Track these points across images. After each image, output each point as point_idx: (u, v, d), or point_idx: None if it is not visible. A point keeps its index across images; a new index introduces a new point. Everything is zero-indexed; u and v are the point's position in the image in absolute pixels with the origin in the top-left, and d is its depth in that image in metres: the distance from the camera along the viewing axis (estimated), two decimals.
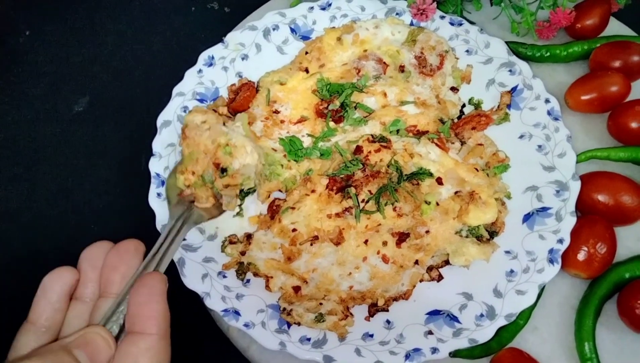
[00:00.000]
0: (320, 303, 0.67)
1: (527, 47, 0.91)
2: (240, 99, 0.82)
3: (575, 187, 0.74)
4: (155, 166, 0.76)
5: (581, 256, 0.71)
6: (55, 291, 0.49)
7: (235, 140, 0.68)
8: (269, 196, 0.76)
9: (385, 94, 0.83)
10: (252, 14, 0.96)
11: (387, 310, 0.69)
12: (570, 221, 0.72)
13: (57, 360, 0.41)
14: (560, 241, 0.71)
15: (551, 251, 0.70)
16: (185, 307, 0.79)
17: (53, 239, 0.87)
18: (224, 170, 0.68)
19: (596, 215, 0.75)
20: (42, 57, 1.03)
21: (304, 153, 0.78)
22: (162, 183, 0.75)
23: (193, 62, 0.86)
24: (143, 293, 0.46)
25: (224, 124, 0.72)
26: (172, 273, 0.71)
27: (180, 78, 0.84)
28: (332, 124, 0.80)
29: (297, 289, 0.69)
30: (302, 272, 0.70)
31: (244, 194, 0.73)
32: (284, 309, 0.67)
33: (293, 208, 0.73)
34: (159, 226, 0.72)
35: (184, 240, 0.71)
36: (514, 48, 0.90)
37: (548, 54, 0.91)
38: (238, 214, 0.76)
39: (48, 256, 0.85)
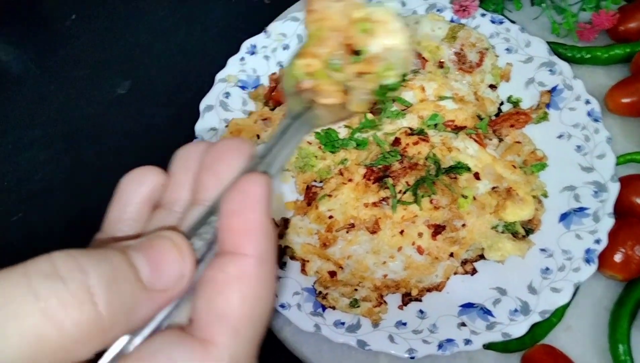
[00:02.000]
0: (355, 289, 0.68)
1: (567, 48, 0.91)
2: (281, 88, 0.83)
3: (614, 189, 0.74)
4: None
5: (618, 257, 0.71)
6: (134, 195, 0.36)
7: (377, 14, 0.49)
8: (305, 188, 0.78)
9: (423, 89, 0.83)
10: (294, 5, 0.97)
11: (421, 300, 0.70)
12: (607, 222, 0.71)
13: (105, 260, 0.27)
14: (597, 241, 0.70)
15: (588, 251, 0.70)
16: None
17: (93, 221, 0.89)
18: (357, 53, 0.49)
19: (634, 218, 0.74)
20: (86, 41, 1.06)
21: (340, 144, 0.79)
22: None
23: (232, 52, 0.88)
24: (237, 199, 0.32)
25: None
26: None
27: (219, 66, 0.86)
28: (369, 115, 0.81)
29: (332, 274, 0.70)
30: (338, 258, 0.71)
31: (384, 90, 0.49)
32: (320, 292, 0.68)
33: (330, 196, 0.75)
34: None
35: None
36: (554, 49, 0.89)
37: (589, 55, 0.90)
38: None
39: (86, 241, 0.88)
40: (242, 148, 0.36)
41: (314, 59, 0.49)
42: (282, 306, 0.66)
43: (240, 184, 0.32)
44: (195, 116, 0.82)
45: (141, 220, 0.36)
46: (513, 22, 0.90)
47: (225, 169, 0.35)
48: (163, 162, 0.97)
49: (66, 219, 0.89)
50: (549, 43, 0.88)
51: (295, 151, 0.45)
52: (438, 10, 0.91)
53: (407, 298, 0.69)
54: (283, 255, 0.72)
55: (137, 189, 0.36)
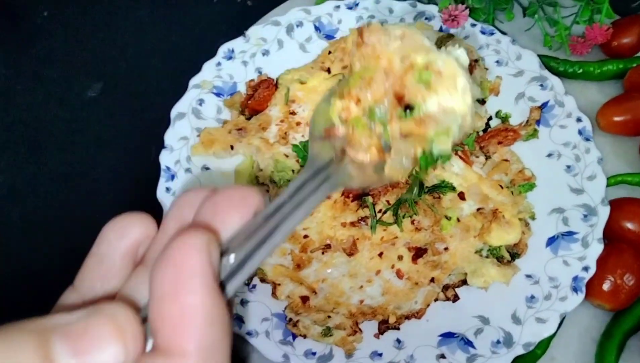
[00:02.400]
0: (329, 316, 0.64)
1: (559, 62, 0.87)
2: (259, 96, 0.79)
3: (604, 213, 0.70)
4: (166, 159, 0.73)
5: (606, 286, 0.67)
6: (114, 248, 0.30)
7: (443, 64, 0.39)
8: None
9: None
10: (276, 9, 0.93)
11: (398, 329, 0.65)
12: (597, 248, 0.68)
13: (9, 350, 0.21)
14: (586, 268, 0.67)
15: (575, 278, 0.66)
16: None
17: (55, 225, 0.84)
18: (409, 108, 0.39)
19: (624, 244, 0.71)
20: (58, 40, 1.00)
21: None
22: (172, 176, 0.72)
23: (212, 54, 0.83)
24: (168, 277, 0.25)
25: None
26: None
27: (198, 69, 0.81)
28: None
29: (305, 299, 0.65)
30: (312, 281, 0.67)
31: (430, 158, 0.41)
32: (290, 319, 0.64)
33: None
34: None
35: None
36: (546, 62, 0.86)
37: (581, 70, 0.87)
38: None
39: (49, 245, 0.83)
40: (248, 201, 0.30)
41: (355, 103, 0.40)
42: (249, 333, 0.62)
43: (172, 253, 0.25)
44: (168, 122, 0.77)
45: (119, 278, 0.30)
46: (504, 33, 0.86)
47: (224, 227, 0.29)
48: (132, 170, 0.92)
49: (27, 228, 0.84)
50: (540, 56, 0.84)
51: (309, 213, 0.35)
52: (426, 18, 0.87)
53: (384, 326, 0.65)
54: (252, 277, 0.67)
55: (118, 241, 0.30)
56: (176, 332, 0.24)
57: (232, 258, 0.28)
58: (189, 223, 0.30)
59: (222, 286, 0.28)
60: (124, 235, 0.30)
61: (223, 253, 0.28)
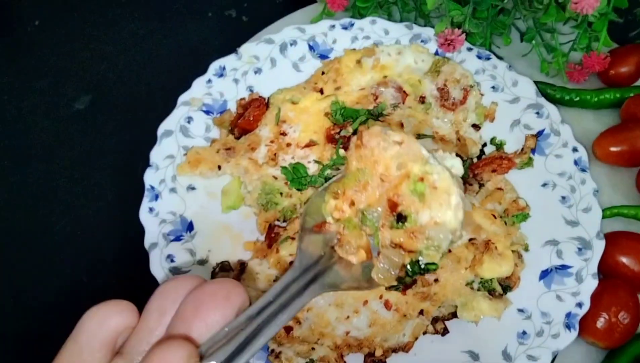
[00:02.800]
0: (313, 348, 0.62)
1: (555, 89, 0.86)
2: (249, 115, 0.77)
3: (599, 247, 0.69)
4: (151, 177, 0.71)
5: (600, 324, 0.65)
6: (93, 337, 0.30)
7: (438, 177, 0.39)
8: (267, 227, 0.71)
9: (402, 125, 0.78)
10: (270, 26, 0.92)
11: (385, 362, 0.63)
12: (591, 284, 0.66)
13: None
14: (580, 305, 0.65)
15: (569, 315, 0.64)
16: None
17: (36, 241, 0.82)
18: (402, 218, 0.40)
19: (619, 279, 0.69)
20: (48, 50, 0.98)
21: (308, 181, 0.73)
22: (156, 196, 0.70)
23: (204, 70, 0.81)
24: None
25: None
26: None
27: (189, 85, 0.80)
28: (342, 151, 0.75)
29: (288, 330, 0.63)
30: None
31: (416, 268, 0.41)
32: (272, 350, 0.61)
33: (293, 238, 0.68)
34: (147, 244, 0.66)
35: (173, 262, 0.66)
36: (542, 89, 0.85)
37: (577, 98, 0.85)
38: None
39: (28, 259, 0.80)
40: (232, 299, 0.30)
41: (349, 204, 0.40)
42: None
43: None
44: (156, 139, 0.75)
45: None
46: (501, 58, 0.85)
47: (205, 325, 0.29)
48: (118, 188, 0.90)
49: (8, 241, 0.81)
50: (536, 82, 0.83)
51: (294, 315, 0.35)
52: (422, 41, 0.85)
53: (370, 359, 0.63)
54: None
55: (97, 330, 0.30)
56: None
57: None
58: (170, 331, 0.30)
59: None
60: (104, 324, 0.30)
61: (202, 357, 0.28)
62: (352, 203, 0.41)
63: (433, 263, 0.41)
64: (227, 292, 0.30)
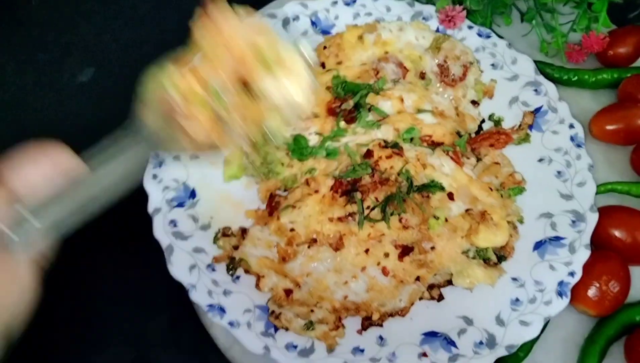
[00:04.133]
0: (312, 310, 0.63)
1: (554, 68, 0.87)
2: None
3: (593, 219, 0.70)
4: None
5: (592, 292, 0.67)
6: None
7: (286, 50, 0.40)
8: (268, 196, 0.72)
9: (402, 100, 0.79)
10: (273, 2, 0.92)
11: (382, 326, 0.65)
12: (583, 254, 0.68)
13: None
14: (572, 274, 0.66)
15: (561, 283, 0.66)
16: (167, 296, 0.76)
17: None
18: (249, 88, 0.40)
19: (611, 251, 0.71)
20: (51, 23, 0.99)
21: (308, 152, 0.74)
22: (160, 164, 0.71)
23: None
24: None
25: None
26: (157, 256, 0.68)
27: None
28: (343, 124, 0.77)
29: (288, 292, 0.65)
30: (296, 275, 0.66)
31: (264, 134, 0.42)
32: (273, 312, 0.63)
33: (294, 207, 0.70)
34: (150, 210, 0.68)
35: (176, 227, 0.67)
36: (541, 68, 0.86)
37: (576, 78, 0.87)
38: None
39: None
40: (53, 158, 0.33)
41: (196, 80, 0.40)
42: (231, 324, 0.61)
43: None
44: None
45: None
46: (501, 37, 0.86)
47: (32, 174, 0.33)
48: None
49: None
50: (536, 62, 0.84)
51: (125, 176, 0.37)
52: (424, 18, 0.86)
53: (367, 323, 0.64)
54: (236, 267, 0.66)
55: None
56: None
57: (33, 221, 0.31)
58: None
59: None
60: None
61: (24, 211, 0.31)
62: (200, 79, 0.42)
63: (279, 133, 0.42)
64: (44, 150, 0.33)
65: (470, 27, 0.86)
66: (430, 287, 0.68)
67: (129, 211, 0.81)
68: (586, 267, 0.67)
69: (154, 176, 0.70)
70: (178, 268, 0.64)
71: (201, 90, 0.41)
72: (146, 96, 0.41)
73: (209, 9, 0.41)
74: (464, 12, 0.81)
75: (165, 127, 0.40)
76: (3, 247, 0.29)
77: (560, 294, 0.65)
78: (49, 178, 0.31)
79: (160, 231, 0.66)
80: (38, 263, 0.31)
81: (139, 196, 0.73)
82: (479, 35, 0.85)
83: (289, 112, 0.40)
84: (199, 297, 0.62)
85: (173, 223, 0.67)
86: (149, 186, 0.69)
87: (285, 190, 0.73)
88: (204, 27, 0.43)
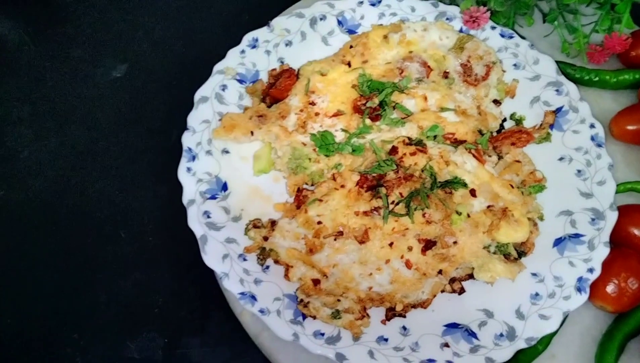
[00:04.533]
0: (338, 300, 0.66)
1: (576, 69, 0.89)
2: (280, 85, 0.81)
3: (612, 217, 0.72)
4: (189, 140, 0.75)
5: (610, 288, 0.69)
6: None
7: None
8: (296, 190, 0.75)
9: (425, 98, 0.81)
10: (301, 1, 0.95)
11: (404, 316, 0.67)
12: (602, 251, 0.69)
13: None
14: (591, 270, 0.68)
15: (580, 279, 0.68)
16: (197, 285, 0.79)
17: (75, 199, 0.87)
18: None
19: (630, 249, 0.72)
20: (86, 20, 1.03)
21: (335, 148, 0.77)
22: (193, 157, 0.74)
23: (233, 42, 0.85)
24: None
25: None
26: (188, 247, 0.71)
27: (219, 56, 0.83)
28: (368, 121, 0.79)
29: (316, 282, 0.68)
30: (323, 266, 0.69)
31: None
32: (301, 300, 0.66)
33: (320, 200, 0.72)
34: (185, 201, 0.71)
35: (209, 218, 0.70)
36: (563, 68, 0.87)
37: (597, 78, 0.88)
38: None
39: (67, 215, 0.85)
40: None
41: None
42: (262, 311, 0.64)
43: None
44: (190, 106, 0.80)
45: None
46: (523, 37, 0.88)
47: None
48: (153, 150, 0.95)
49: (47, 201, 0.86)
50: (557, 62, 0.86)
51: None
52: (447, 19, 0.88)
53: (390, 313, 0.67)
54: (266, 258, 0.69)
55: None
56: None
57: None
58: None
59: None
60: None
61: None
62: None
63: None
64: None
65: (493, 28, 0.87)
66: (452, 280, 0.70)
67: (161, 202, 0.85)
68: (605, 264, 0.69)
69: (188, 169, 0.73)
70: (212, 257, 0.67)
71: None
72: None
73: None
74: (488, 13, 0.83)
75: None
76: None
77: (579, 290, 0.67)
78: None
79: (195, 222, 0.69)
80: None
81: (168, 188, 0.77)
82: (502, 35, 0.87)
83: None
84: (232, 285, 0.65)
85: (206, 214, 0.70)
86: (184, 178, 0.72)
87: (312, 184, 0.76)
88: None
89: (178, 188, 0.73)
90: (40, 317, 0.79)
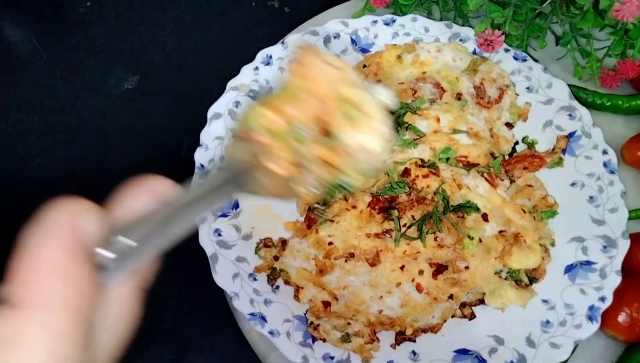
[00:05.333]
0: (348, 323, 0.66)
1: (588, 93, 0.89)
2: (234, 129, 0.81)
3: (624, 245, 0.71)
4: (201, 157, 0.75)
5: (622, 318, 0.68)
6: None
7: (368, 104, 0.41)
8: (306, 209, 0.75)
9: (438, 120, 0.81)
10: (314, 18, 0.95)
11: (414, 341, 0.67)
12: (614, 280, 0.69)
13: None
14: (602, 299, 0.68)
15: (591, 307, 0.68)
16: (206, 301, 0.79)
17: None
18: (329, 135, 0.41)
19: None
20: (98, 30, 1.03)
21: None
22: (206, 174, 0.74)
23: (247, 57, 0.85)
24: (31, 233, 0.26)
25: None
26: (197, 263, 0.71)
27: (232, 70, 0.84)
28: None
29: (326, 304, 0.67)
30: (333, 287, 0.69)
31: (337, 186, 0.43)
32: (312, 323, 0.65)
33: (332, 221, 0.72)
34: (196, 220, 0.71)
35: (220, 236, 0.70)
36: (575, 92, 0.87)
37: (609, 103, 0.88)
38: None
39: None
40: (152, 187, 0.33)
41: (280, 117, 0.41)
42: (272, 333, 0.64)
43: (42, 214, 0.27)
44: (202, 120, 0.80)
45: None
46: (536, 60, 0.88)
47: (123, 208, 0.31)
48: (162, 164, 0.95)
49: None
50: (569, 86, 0.86)
51: (211, 208, 0.38)
52: (461, 40, 0.88)
53: (400, 337, 0.67)
54: (277, 278, 0.69)
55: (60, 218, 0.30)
56: (24, 282, 0.24)
57: (125, 240, 0.31)
58: None
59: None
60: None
61: (117, 233, 0.31)
62: (284, 115, 0.41)
63: (353, 188, 0.42)
64: (147, 182, 0.33)
65: (506, 50, 0.87)
66: (463, 305, 0.70)
67: None
68: (617, 293, 0.68)
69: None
70: (222, 276, 0.67)
71: (285, 126, 0.41)
72: (237, 131, 0.43)
73: (302, 51, 0.42)
74: (503, 37, 0.83)
75: (249, 166, 0.41)
76: (100, 269, 0.30)
77: (590, 318, 0.67)
78: (146, 207, 0.32)
79: (206, 240, 0.69)
80: (136, 283, 0.32)
81: None
82: (515, 58, 0.87)
83: (366, 162, 0.42)
84: (242, 306, 0.65)
85: (217, 232, 0.70)
86: None
87: (323, 204, 0.76)
88: (296, 70, 0.43)
89: None
90: None
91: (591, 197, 0.76)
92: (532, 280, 0.71)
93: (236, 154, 0.40)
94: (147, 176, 0.33)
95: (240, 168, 0.40)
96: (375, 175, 0.42)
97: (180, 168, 0.79)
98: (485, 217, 0.73)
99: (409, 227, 0.71)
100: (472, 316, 0.69)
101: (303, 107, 0.41)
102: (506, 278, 0.70)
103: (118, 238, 0.31)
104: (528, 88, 0.85)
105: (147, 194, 0.32)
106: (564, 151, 0.80)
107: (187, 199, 0.35)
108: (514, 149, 0.83)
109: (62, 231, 0.27)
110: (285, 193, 0.42)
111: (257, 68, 0.83)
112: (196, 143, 0.77)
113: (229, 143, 0.77)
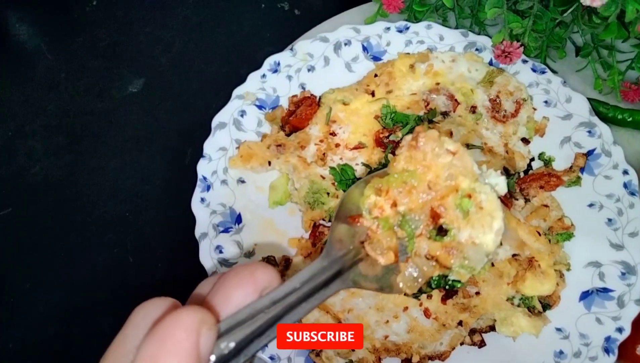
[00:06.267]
0: (352, 349, 0.63)
1: (608, 107, 0.85)
2: (301, 114, 0.78)
3: None
4: (204, 168, 0.73)
5: None
6: (140, 328, 0.30)
7: (486, 197, 0.38)
8: (312, 225, 0.72)
9: (451, 133, 0.78)
10: (323, 23, 0.92)
11: None
12: (633, 310, 0.66)
13: None
14: (620, 330, 0.65)
15: (608, 339, 0.64)
16: None
17: (84, 218, 0.84)
18: (442, 231, 0.38)
19: None
20: (105, 30, 1.01)
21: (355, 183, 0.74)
22: (208, 187, 0.72)
23: (255, 60, 0.83)
24: (150, 351, 0.27)
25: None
26: (198, 276, 0.69)
27: (240, 75, 0.81)
28: (390, 156, 0.76)
29: None
30: (337, 311, 0.66)
31: (442, 282, 0.40)
32: (314, 349, 0.63)
33: None
34: (197, 234, 0.68)
35: (222, 254, 0.68)
36: (594, 106, 0.83)
37: (630, 119, 0.84)
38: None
39: (75, 236, 0.83)
40: (256, 278, 0.31)
41: (390, 204, 0.38)
42: (272, 358, 0.61)
43: (160, 328, 0.27)
44: (206, 127, 0.77)
45: None
46: (555, 72, 0.84)
47: (227, 302, 0.30)
48: (165, 171, 0.92)
49: (58, 218, 0.84)
50: (589, 99, 0.82)
51: (315, 307, 0.35)
52: (477, 49, 0.85)
53: None
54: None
55: (142, 322, 0.30)
56: None
57: (229, 344, 0.29)
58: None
59: None
60: (148, 316, 0.30)
61: (221, 335, 0.29)
62: (394, 204, 0.39)
63: (459, 281, 0.40)
64: (251, 271, 0.31)
65: (524, 62, 0.84)
66: (472, 332, 0.67)
67: (171, 226, 0.83)
68: (635, 323, 0.65)
69: (202, 200, 0.71)
70: None
71: (394, 214, 0.39)
72: (339, 211, 0.41)
73: (419, 138, 0.39)
74: (521, 49, 0.79)
75: (353, 257, 0.38)
76: None
77: (606, 350, 0.64)
78: (249, 299, 0.31)
79: (206, 257, 0.67)
80: None
81: (180, 212, 0.74)
82: (533, 70, 0.83)
83: (475, 258, 0.38)
84: None
85: (219, 249, 0.68)
86: (197, 210, 0.70)
87: (329, 221, 0.73)
88: (410, 156, 0.40)
89: (189, 211, 0.71)
90: (47, 339, 0.77)
91: (610, 219, 0.73)
92: (546, 306, 0.68)
93: (341, 239, 0.38)
94: (250, 265, 0.32)
95: (345, 261, 0.38)
96: (483, 273, 0.39)
97: (183, 173, 0.77)
98: None
99: None
100: (482, 344, 0.67)
101: (415, 196, 0.38)
102: (519, 305, 0.67)
103: (220, 341, 0.30)
104: (546, 102, 0.82)
105: (250, 286, 0.31)
106: (582, 169, 0.77)
107: (293, 298, 0.33)
108: (529, 166, 0.79)
109: (186, 356, 0.26)
110: (383, 286, 0.40)
111: (264, 75, 0.81)
112: (200, 150, 0.75)
113: (232, 154, 0.75)
